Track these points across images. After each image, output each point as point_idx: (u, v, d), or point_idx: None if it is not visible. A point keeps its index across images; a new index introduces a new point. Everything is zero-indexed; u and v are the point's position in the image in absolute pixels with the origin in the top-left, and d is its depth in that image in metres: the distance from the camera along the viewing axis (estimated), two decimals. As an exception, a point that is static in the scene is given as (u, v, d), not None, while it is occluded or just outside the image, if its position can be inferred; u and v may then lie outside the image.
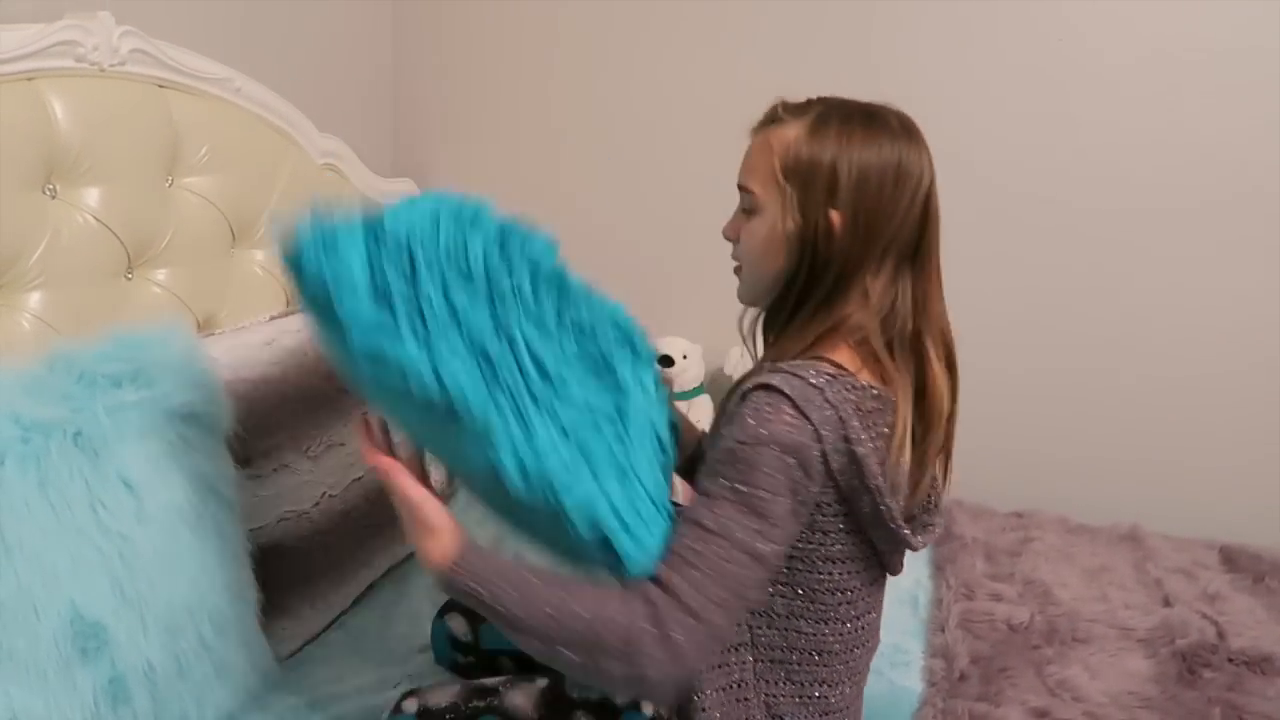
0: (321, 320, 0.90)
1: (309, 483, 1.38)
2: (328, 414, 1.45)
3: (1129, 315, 1.94)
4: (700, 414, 2.11)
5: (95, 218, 1.38)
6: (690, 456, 1.20)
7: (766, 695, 1.02)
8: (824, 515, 0.96)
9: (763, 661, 1.02)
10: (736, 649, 1.01)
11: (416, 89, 2.32)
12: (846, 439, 0.92)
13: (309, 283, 0.88)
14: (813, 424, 0.90)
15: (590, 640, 0.86)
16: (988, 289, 2.00)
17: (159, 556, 1.05)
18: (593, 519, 0.88)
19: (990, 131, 1.93)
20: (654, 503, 0.94)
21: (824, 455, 0.91)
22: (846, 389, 0.94)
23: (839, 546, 0.98)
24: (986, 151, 1.93)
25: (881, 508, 0.95)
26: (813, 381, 0.92)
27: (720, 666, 1.00)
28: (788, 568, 0.98)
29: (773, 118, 1.02)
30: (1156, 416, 1.98)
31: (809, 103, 1.02)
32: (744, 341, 1.14)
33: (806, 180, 0.96)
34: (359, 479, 1.45)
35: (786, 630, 1.01)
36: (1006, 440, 2.04)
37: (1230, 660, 1.48)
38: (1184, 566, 1.78)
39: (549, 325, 0.97)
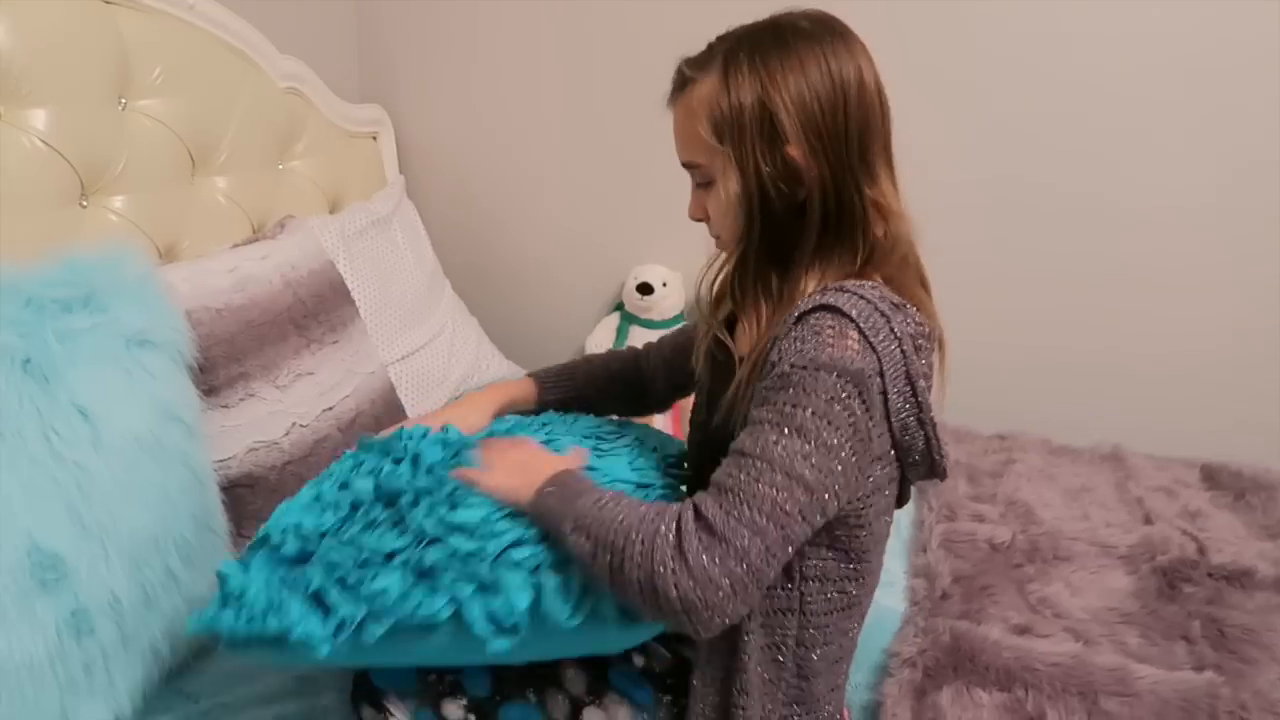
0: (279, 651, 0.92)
1: (278, 413, 1.34)
2: (295, 343, 1.41)
3: (1112, 233, 1.91)
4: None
5: (43, 141, 1.32)
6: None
7: (799, 658, 0.96)
8: (883, 469, 0.90)
9: (806, 628, 0.95)
10: (785, 613, 0.94)
11: (380, 8, 2.23)
12: (908, 374, 0.86)
13: (257, 643, 0.91)
14: (878, 354, 0.83)
15: (621, 542, 0.82)
16: (969, 205, 1.96)
17: (119, 485, 1.01)
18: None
19: (990, 53, 1.88)
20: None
21: (884, 392, 0.84)
22: (908, 321, 0.87)
23: (887, 499, 0.94)
24: (990, 77, 1.88)
25: (933, 443, 0.89)
26: (880, 308, 0.85)
27: (764, 627, 0.94)
28: (852, 534, 0.91)
29: (682, 81, 0.94)
30: (1138, 337, 1.96)
31: (710, 49, 0.93)
32: (701, 306, 1.05)
33: (739, 131, 0.88)
34: (329, 409, 1.42)
35: (832, 594, 0.95)
36: (989, 362, 2.02)
37: (1210, 575, 1.48)
38: (1165, 485, 1.78)
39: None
